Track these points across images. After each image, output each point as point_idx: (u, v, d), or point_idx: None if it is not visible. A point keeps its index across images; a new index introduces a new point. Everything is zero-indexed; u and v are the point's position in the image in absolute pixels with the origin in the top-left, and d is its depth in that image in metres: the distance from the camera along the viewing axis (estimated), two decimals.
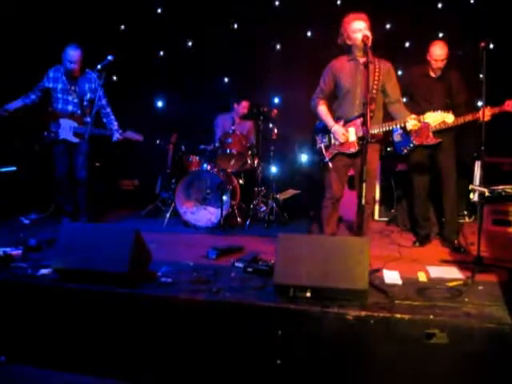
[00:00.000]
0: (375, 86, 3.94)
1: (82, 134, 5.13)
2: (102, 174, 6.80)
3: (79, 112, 5.28)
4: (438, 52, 4.59)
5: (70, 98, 5.30)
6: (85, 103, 5.31)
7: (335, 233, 4.41)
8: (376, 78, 3.95)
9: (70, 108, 5.29)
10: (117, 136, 5.22)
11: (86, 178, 5.28)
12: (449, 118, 3.84)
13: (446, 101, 4.65)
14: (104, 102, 5.34)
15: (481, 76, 3.93)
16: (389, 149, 5.89)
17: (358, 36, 3.88)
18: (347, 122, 4.10)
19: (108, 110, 5.40)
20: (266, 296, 3.14)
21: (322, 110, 4.23)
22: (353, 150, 4.08)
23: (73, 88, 5.29)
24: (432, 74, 4.74)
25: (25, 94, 5.30)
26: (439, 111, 3.82)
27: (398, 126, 3.96)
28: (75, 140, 5.23)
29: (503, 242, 4.97)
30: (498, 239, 5.09)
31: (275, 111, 6.31)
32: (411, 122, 3.85)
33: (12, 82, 6.14)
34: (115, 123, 5.37)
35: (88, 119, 5.23)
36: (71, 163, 5.31)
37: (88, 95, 5.32)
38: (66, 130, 5.23)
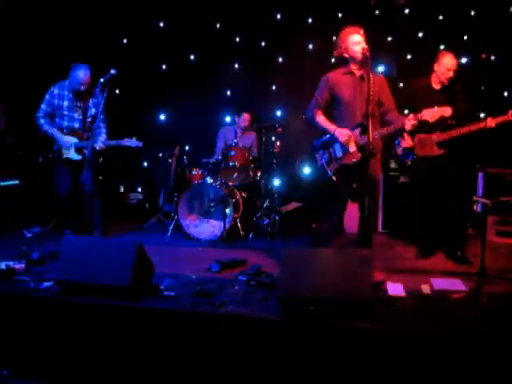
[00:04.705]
0: (371, 98, 3.94)
1: (84, 148, 5.13)
2: (105, 187, 6.82)
3: (81, 127, 5.25)
4: (450, 62, 4.55)
5: (76, 115, 5.25)
6: (88, 119, 5.27)
7: (344, 245, 4.39)
8: (371, 90, 3.95)
9: (76, 125, 5.24)
10: (99, 145, 5.08)
11: (96, 191, 5.25)
12: (446, 111, 3.84)
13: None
14: (102, 117, 5.26)
15: (482, 87, 3.95)
16: (391, 161, 5.90)
17: (357, 48, 3.92)
18: None
19: (102, 125, 5.31)
20: (270, 309, 3.13)
21: (321, 118, 4.22)
22: (354, 160, 4.07)
23: (78, 104, 5.25)
24: (434, 86, 4.72)
25: (47, 125, 5.21)
26: (436, 107, 3.82)
27: (397, 128, 3.97)
28: (78, 157, 5.16)
29: (507, 253, 4.94)
30: (502, 250, 5.06)
31: (279, 129, 6.31)
32: (409, 122, 3.87)
33: (13, 81, 6.24)
34: (104, 135, 5.28)
35: (89, 133, 5.19)
36: (75, 180, 5.24)
37: (92, 110, 5.28)
38: (68, 147, 5.19)
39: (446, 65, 4.58)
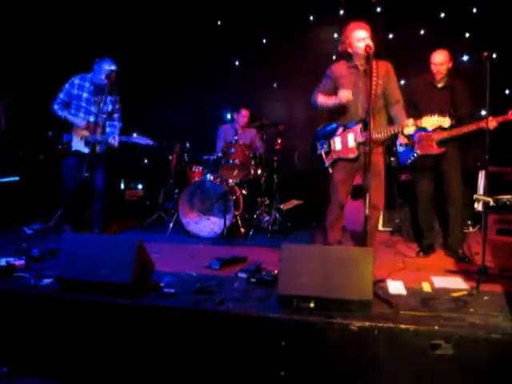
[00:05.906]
0: (373, 92, 3.91)
1: (93, 142, 5.12)
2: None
3: (95, 122, 5.18)
4: (438, 57, 4.60)
5: (93, 109, 5.23)
6: (103, 115, 5.25)
7: (340, 240, 4.38)
8: (375, 83, 3.93)
9: (92, 119, 5.21)
10: (111, 142, 5.11)
11: (105, 189, 5.29)
12: (445, 122, 3.84)
13: (449, 111, 4.63)
14: (118, 115, 5.34)
15: (484, 85, 3.93)
16: (392, 159, 5.88)
17: (361, 45, 3.91)
18: (346, 129, 4.11)
19: (117, 124, 5.36)
20: (270, 307, 3.13)
21: (320, 97, 4.24)
22: (352, 155, 4.09)
23: (96, 99, 5.23)
24: (436, 83, 4.72)
25: (61, 110, 5.23)
26: (436, 115, 3.82)
27: (396, 131, 3.98)
28: (86, 150, 5.12)
29: (508, 252, 4.94)
30: (503, 249, 5.06)
31: (281, 126, 6.31)
32: (407, 129, 3.87)
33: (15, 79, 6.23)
34: (118, 132, 5.31)
35: (101, 129, 5.27)
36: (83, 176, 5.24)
37: (109, 107, 5.29)
38: (78, 139, 5.20)
39: (434, 60, 4.63)
